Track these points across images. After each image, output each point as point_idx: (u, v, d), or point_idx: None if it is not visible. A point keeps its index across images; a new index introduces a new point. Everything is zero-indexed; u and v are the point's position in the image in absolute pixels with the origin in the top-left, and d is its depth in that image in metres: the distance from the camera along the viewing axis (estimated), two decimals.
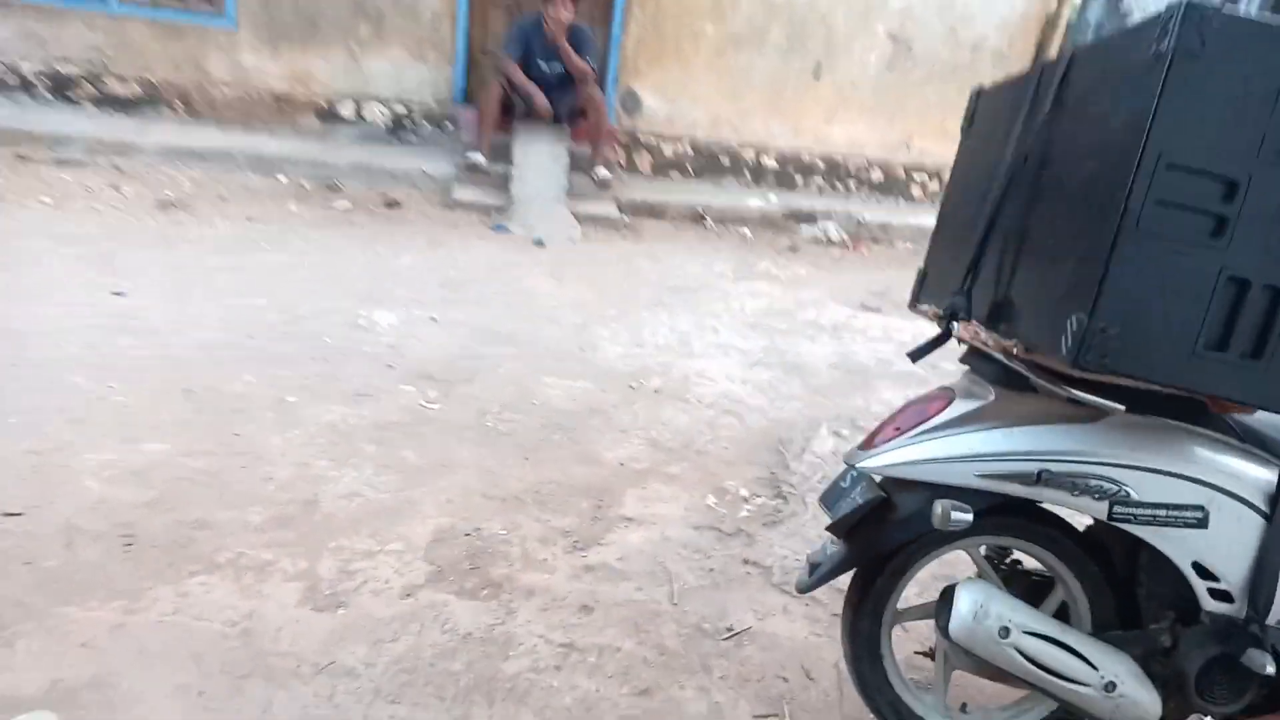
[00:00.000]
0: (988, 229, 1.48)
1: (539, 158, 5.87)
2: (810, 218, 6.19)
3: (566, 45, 5.72)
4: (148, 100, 5.86)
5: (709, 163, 6.59)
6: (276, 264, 4.37)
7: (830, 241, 6.06)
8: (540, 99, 5.79)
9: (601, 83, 6.18)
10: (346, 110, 6.11)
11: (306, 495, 2.57)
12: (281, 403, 3.08)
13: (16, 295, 3.57)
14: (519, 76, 5.79)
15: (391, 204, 5.49)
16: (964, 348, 1.65)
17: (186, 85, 5.90)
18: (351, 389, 3.24)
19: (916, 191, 6.92)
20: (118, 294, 3.74)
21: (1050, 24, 6.50)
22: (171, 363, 3.26)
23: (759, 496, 2.81)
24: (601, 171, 5.99)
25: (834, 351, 4.16)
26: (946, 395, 1.57)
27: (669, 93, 6.44)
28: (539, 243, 5.24)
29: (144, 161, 5.46)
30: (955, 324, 1.55)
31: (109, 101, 5.82)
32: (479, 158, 5.82)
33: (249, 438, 2.85)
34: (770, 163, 6.64)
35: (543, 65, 5.90)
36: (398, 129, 6.20)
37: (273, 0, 5.81)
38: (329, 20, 5.92)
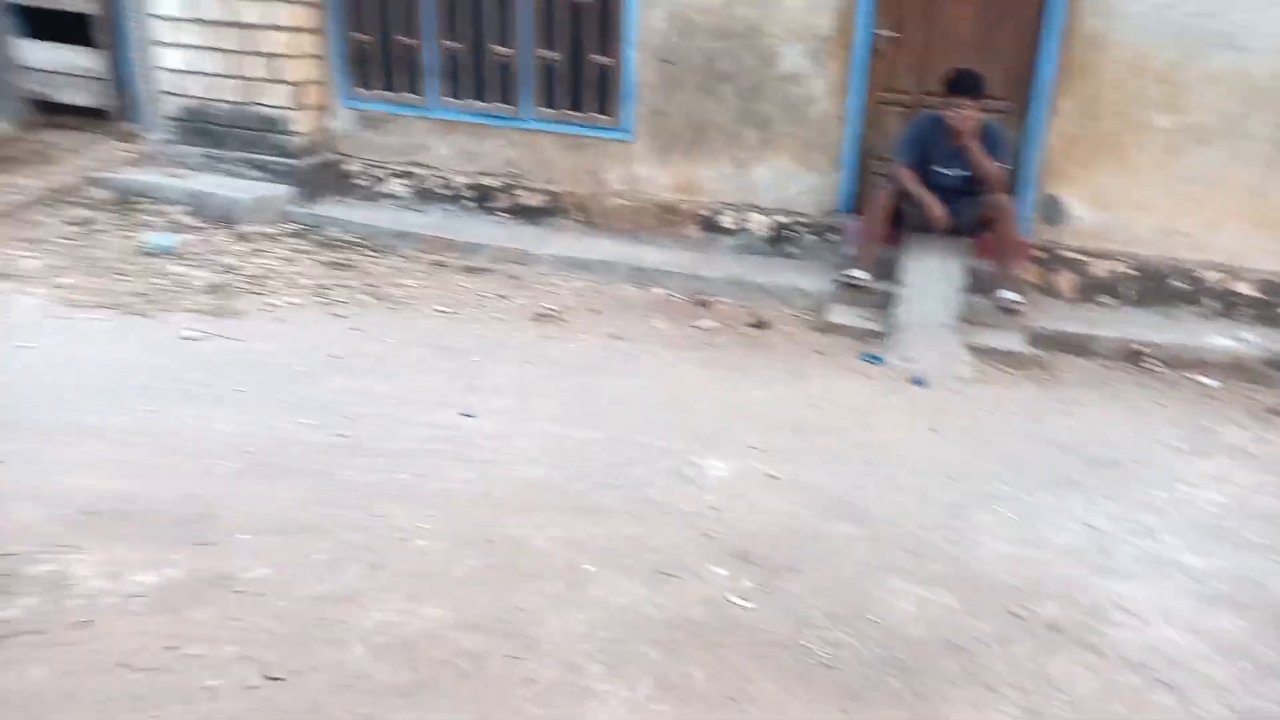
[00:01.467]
0: None
1: (930, 275, 5.10)
2: None
3: (975, 146, 4.94)
4: (552, 210, 6.16)
5: (1155, 287, 5.29)
6: (624, 389, 4.14)
7: None
8: (936, 207, 5.05)
9: (1012, 188, 5.25)
10: (728, 220, 5.88)
11: (562, 716, 2.12)
12: (577, 570, 2.71)
13: (382, 410, 3.68)
14: (912, 183, 5.12)
15: (759, 324, 5.08)
16: None
17: (585, 196, 6.10)
18: (657, 563, 2.78)
19: None
20: (466, 416, 3.71)
21: None
22: (487, 503, 3.07)
23: None
24: (1007, 294, 5.04)
25: None
26: None
27: (1103, 200, 5.31)
28: (918, 382, 4.46)
29: (536, 271, 5.69)
30: None
31: (520, 211, 6.21)
32: (860, 274, 5.21)
33: (530, 614, 2.50)
34: (1246, 290, 5.14)
35: (942, 170, 5.16)
36: (778, 240, 5.84)
37: (666, 111, 5.81)
38: (717, 128, 5.78)
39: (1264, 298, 5.13)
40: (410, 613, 2.45)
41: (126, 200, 6.04)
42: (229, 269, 5.16)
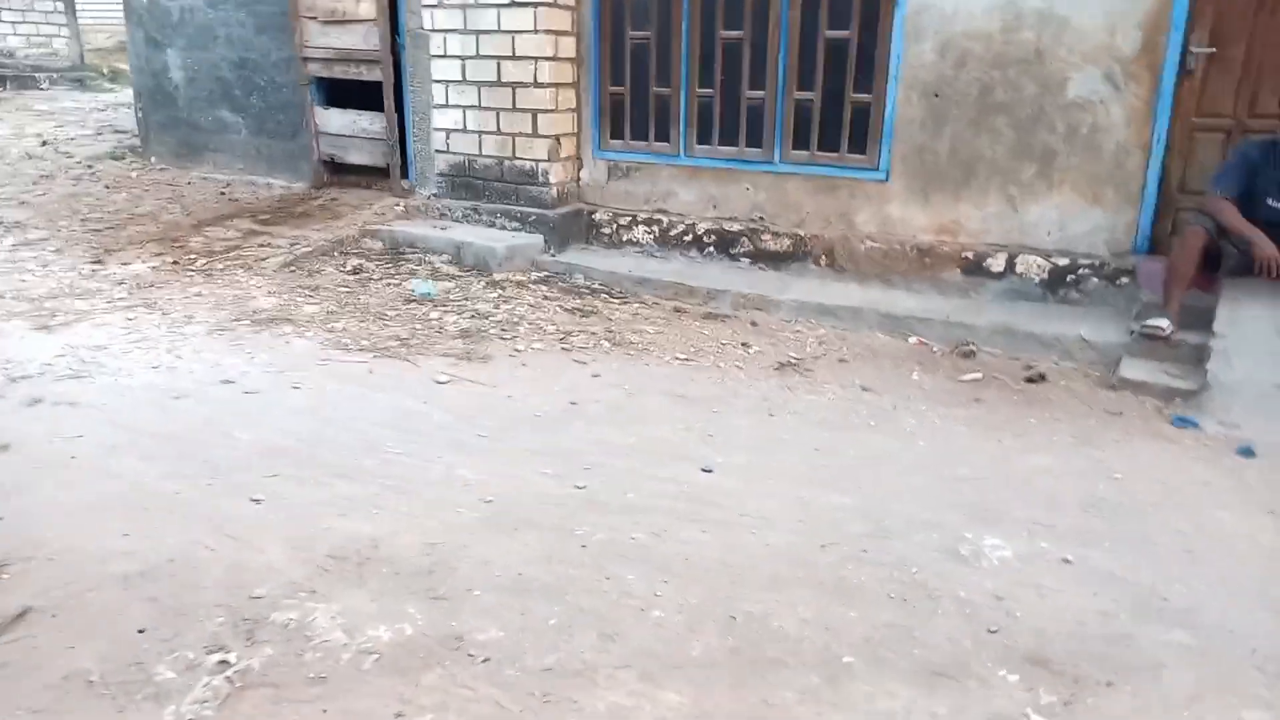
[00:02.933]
0: None
1: (1256, 326, 4.25)
2: None
3: None
4: (796, 255, 5.87)
5: None
6: (878, 448, 3.72)
7: None
8: (1268, 245, 4.21)
9: None
10: (996, 263, 5.30)
11: None
12: (834, 663, 2.35)
13: (619, 461, 3.52)
14: (1235, 218, 4.32)
15: (1034, 378, 4.46)
16: None
17: (832, 239, 5.76)
18: (929, 660, 2.35)
19: None
20: (706, 470, 3.47)
21: None
22: (727, 571, 2.78)
23: None
24: None
25: None
26: None
27: None
28: (1246, 452, 3.68)
29: (779, 318, 5.40)
30: None
31: (762, 256, 5.97)
32: (1163, 323, 4.45)
33: (781, 713, 2.16)
34: None
35: (1273, 203, 4.33)
36: (1055, 285, 5.16)
37: (928, 148, 5.37)
38: (988, 164, 5.24)
39: None
40: (645, 697, 2.20)
41: (397, 250, 6.44)
42: (480, 315, 5.30)
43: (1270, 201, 4.36)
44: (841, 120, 5.63)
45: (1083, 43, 4.87)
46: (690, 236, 6.22)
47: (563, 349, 4.84)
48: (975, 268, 5.37)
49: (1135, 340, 4.57)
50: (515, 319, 5.26)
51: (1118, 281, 5.02)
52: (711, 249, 6.16)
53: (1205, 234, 4.39)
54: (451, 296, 5.61)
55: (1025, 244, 5.28)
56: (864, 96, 5.52)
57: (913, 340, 5.03)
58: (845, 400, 4.26)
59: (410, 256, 6.34)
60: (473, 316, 5.27)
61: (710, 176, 6.13)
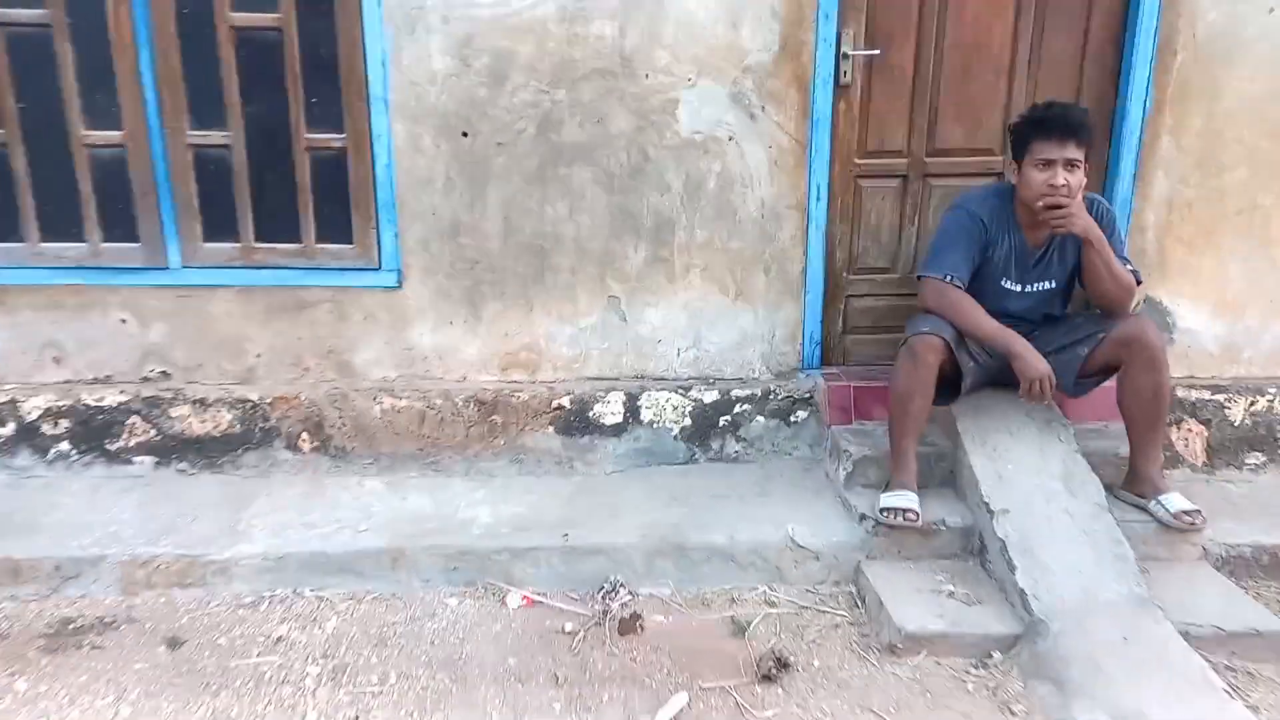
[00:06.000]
0: None
1: (1034, 483, 2.68)
2: None
3: (1093, 232, 2.63)
4: (250, 437, 3.09)
5: None
6: None
7: None
8: (1036, 361, 2.63)
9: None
10: (609, 411, 3.14)
11: None
12: None
13: None
14: (978, 316, 2.70)
15: (773, 665, 2.33)
16: None
17: (317, 401, 3.11)
18: None
19: None
20: None
21: None
22: None
23: None
24: (1172, 502, 2.72)
25: None
26: None
27: (1232, 299, 3.20)
28: None
29: (230, 597, 2.60)
30: None
31: (178, 449, 3.09)
32: (908, 501, 2.69)
33: None
34: None
35: (1014, 285, 2.81)
36: (704, 435, 3.18)
37: (466, 224, 3.02)
38: (571, 246, 3.06)
39: None
40: None
41: None
42: None
43: (1006, 283, 2.83)
44: (295, 182, 3.00)
45: (693, 42, 2.92)
46: (13, 427, 3.04)
47: None
48: (578, 422, 3.15)
49: (872, 534, 2.73)
50: None
51: (792, 418, 3.19)
52: (66, 447, 3.06)
53: (943, 345, 2.70)
54: None
55: (648, 372, 3.21)
56: (330, 137, 2.97)
57: (516, 600, 2.62)
58: None
59: None
60: None
61: (40, 303, 3.03)
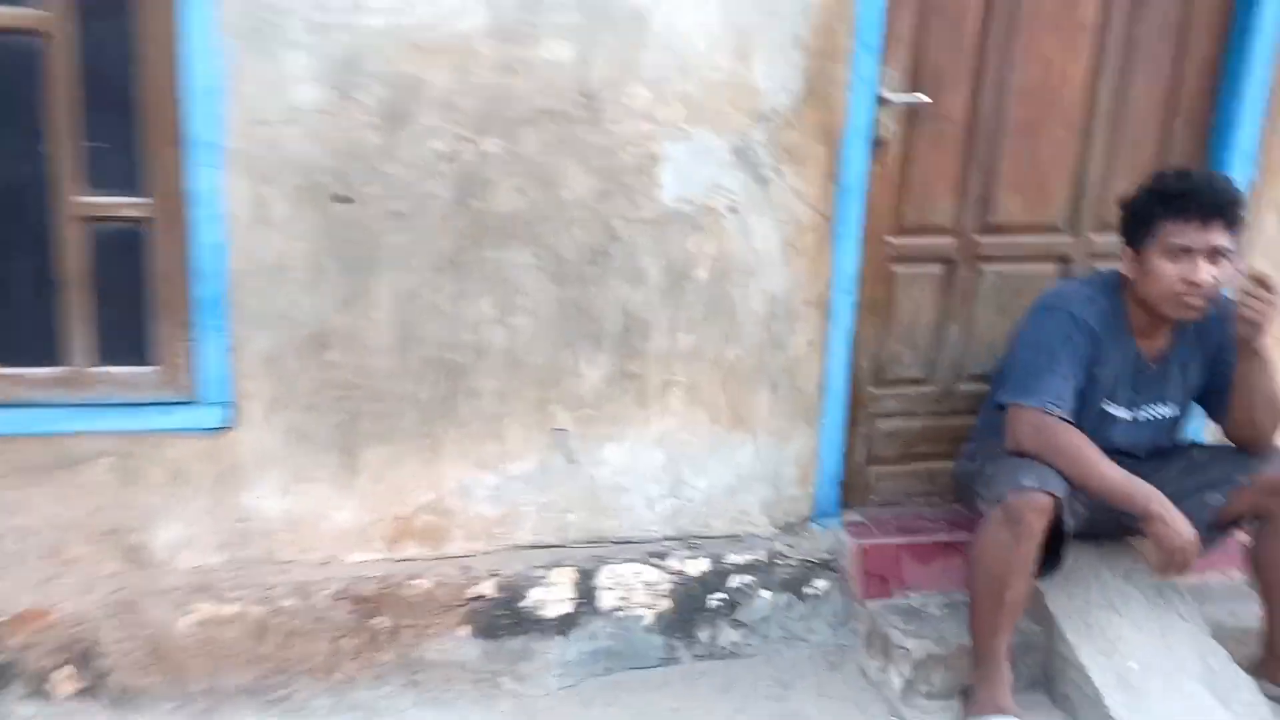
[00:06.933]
0: None
1: (1174, 688, 1.93)
2: None
3: (1257, 341, 1.93)
4: None
5: None
6: None
7: None
8: (1180, 525, 1.87)
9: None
10: (553, 596, 2.15)
11: None
12: None
13: None
14: (1102, 463, 1.92)
15: None
16: None
17: (88, 613, 1.97)
18: None
19: None
20: None
21: None
22: None
23: None
24: None
25: None
26: None
27: None
28: None
29: None
30: None
31: None
32: None
33: None
34: None
35: (1115, 409, 2.08)
36: (689, 624, 2.25)
37: (338, 331, 1.97)
38: (500, 359, 2.07)
39: None
40: None
41: None
42: None
43: (1111, 407, 2.07)
44: (59, 270, 1.86)
45: (685, 76, 2.01)
46: None
47: None
48: (507, 616, 2.13)
49: None
50: None
51: (807, 590, 2.30)
52: None
53: (1053, 504, 1.90)
54: None
55: (609, 534, 2.24)
56: (122, 202, 1.86)
57: None
58: None
59: None
60: None
61: None
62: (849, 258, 2.20)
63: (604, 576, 2.19)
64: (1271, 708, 1.99)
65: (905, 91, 2.17)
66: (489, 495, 2.17)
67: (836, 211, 2.16)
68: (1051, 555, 1.98)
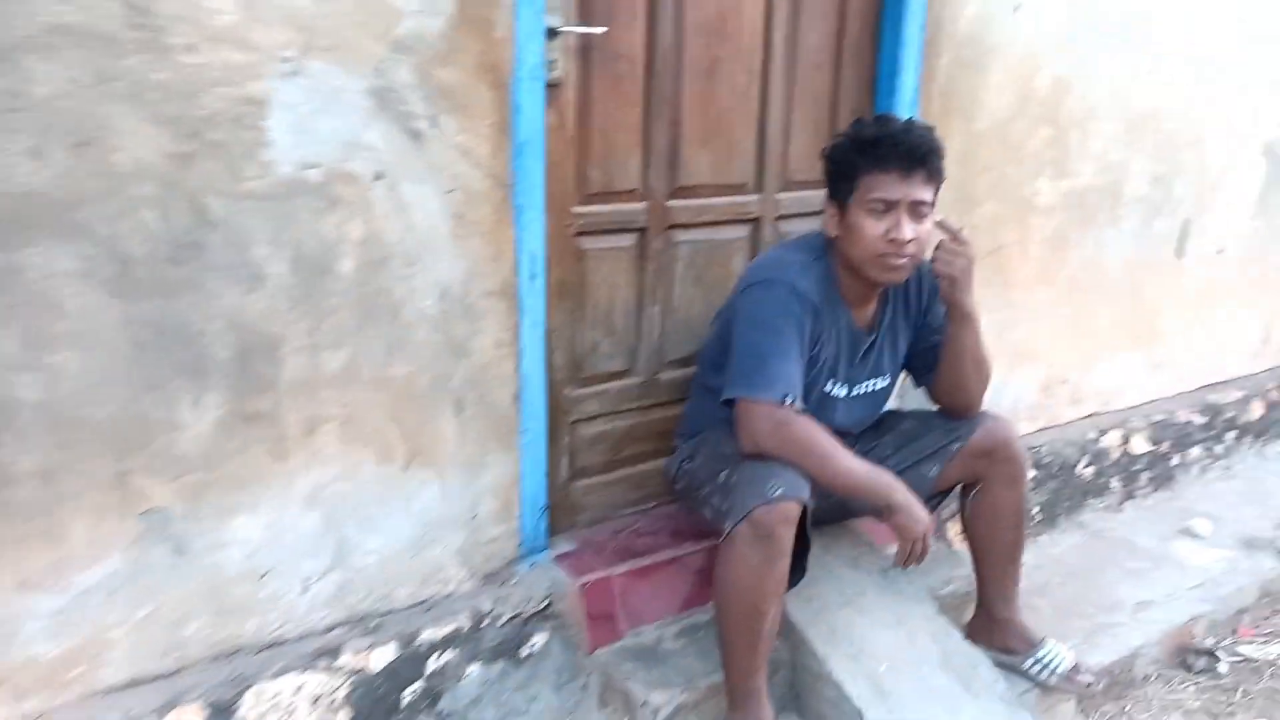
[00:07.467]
0: None
1: (924, 685, 1.80)
2: None
3: (963, 300, 1.83)
4: None
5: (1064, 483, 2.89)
6: None
7: None
8: (920, 514, 1.71)
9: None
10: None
11: None
12: None
13: None
14: (841, 456, 1.70)
15: None
16: None
17: None
18: None
19: None
20: None
21: None
22: None
23: None
24: (1053, 652, 2.03)
25: None
26: None
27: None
28: None
29: None
30: None
31: None
32: None
33: None
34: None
35: (835, 388, 1.89)
36: (380, 713, 1.68)
37: None
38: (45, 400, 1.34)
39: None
40: None
41: None
42: None
43: (831, 387, 1.88)
44: None
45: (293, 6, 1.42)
46: None
47: None
48: None
49: None
50: None
51: (523, 651, 1.85)
52: None
53: (800, 507, 1.64)
54: None
55: (249, 639, 1.59)
56: None
57: None
58: None
59: None
60: None
61: None
62: (534, 233, 1.75)
63: (249, 703, 1.55)
64: (1004, 676, 1.93)
65: (576, 21, 1.76)
66: (46, 627, 1.42)
67: (514, 175, 1.70)
68: (796, 565, 1.73)
